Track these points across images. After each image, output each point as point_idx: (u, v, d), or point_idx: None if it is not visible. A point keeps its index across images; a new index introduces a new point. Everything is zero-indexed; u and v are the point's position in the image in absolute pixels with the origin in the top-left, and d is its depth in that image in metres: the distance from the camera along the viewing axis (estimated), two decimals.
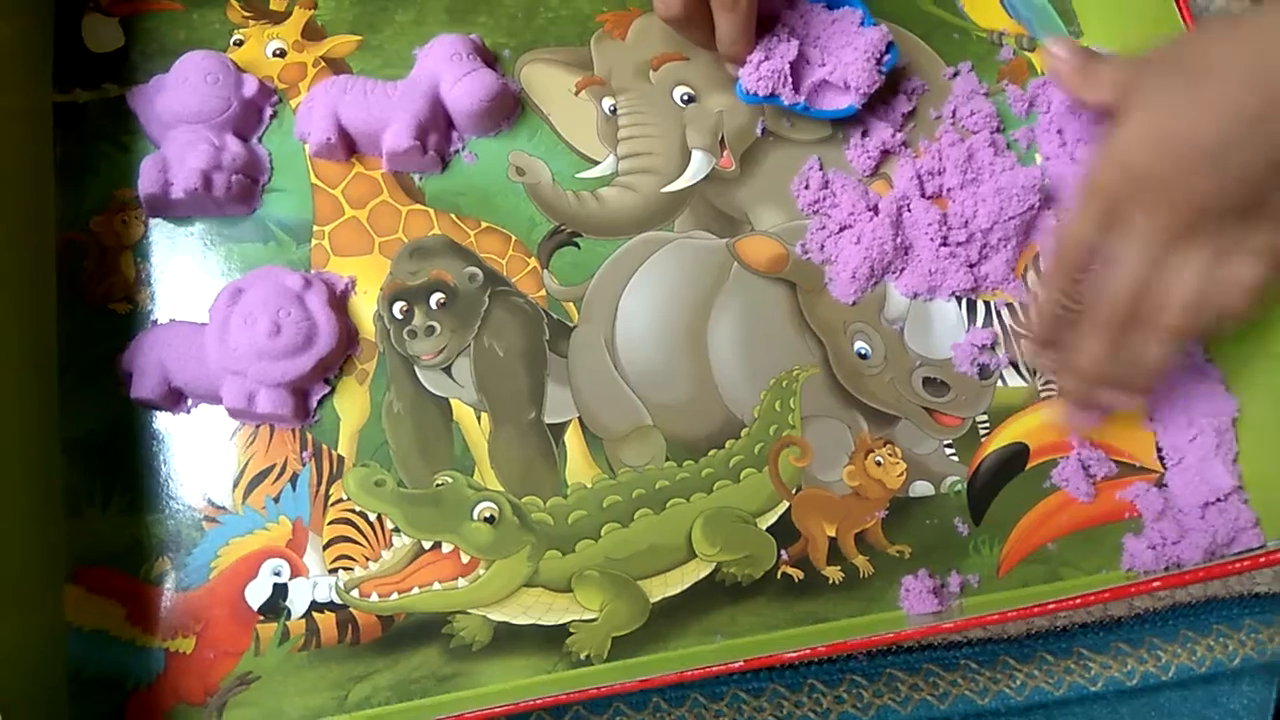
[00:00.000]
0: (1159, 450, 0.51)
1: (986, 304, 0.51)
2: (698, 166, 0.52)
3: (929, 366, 0.50)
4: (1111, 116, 0.45)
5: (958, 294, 0.51)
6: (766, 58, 0.49)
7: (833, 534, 0.47)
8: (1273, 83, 0.39)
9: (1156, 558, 0.48)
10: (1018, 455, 0.50)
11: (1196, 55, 0.42)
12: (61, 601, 0.43)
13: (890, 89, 0.53)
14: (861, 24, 0.51)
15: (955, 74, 0.55)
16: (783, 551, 0.47)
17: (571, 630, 0.45)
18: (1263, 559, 0.44)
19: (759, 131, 0.53)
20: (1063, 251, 0.45)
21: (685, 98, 0.53)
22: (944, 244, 0.50)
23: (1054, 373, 0.48)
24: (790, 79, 0.50)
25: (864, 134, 0.53)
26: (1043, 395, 0.51)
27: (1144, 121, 0.43)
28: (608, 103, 0.53)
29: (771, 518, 0.47)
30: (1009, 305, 0.52)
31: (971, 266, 0.51)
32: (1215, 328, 0.45)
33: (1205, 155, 0.40)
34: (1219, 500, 0.49)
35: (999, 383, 0.51)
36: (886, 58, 0.50)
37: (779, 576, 0.47)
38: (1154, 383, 0.46)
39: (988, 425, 0.50)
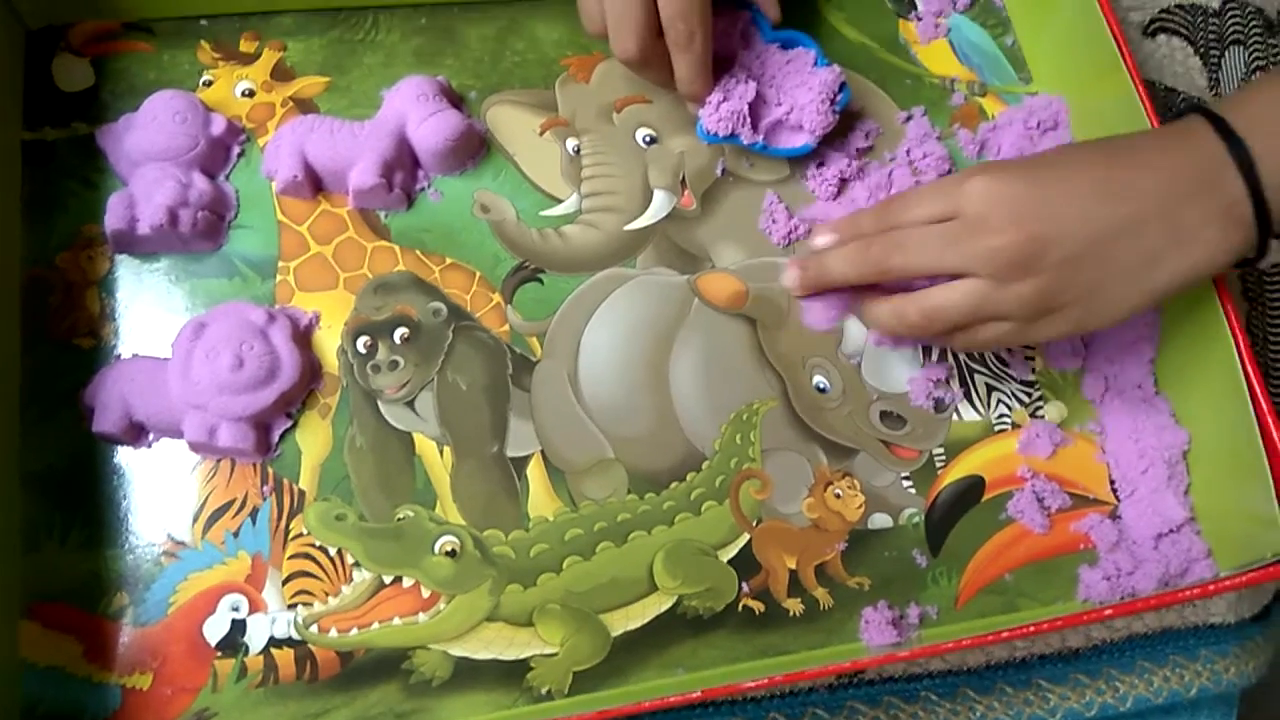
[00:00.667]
0: (1112, 482, 0.52)
1: None
2: (659, 205, 0.53)
3: (886, 400, 0.51)
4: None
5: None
6: (725, 99, 0.51)
7: (793, 566, 0.48)
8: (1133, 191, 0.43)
9: (1111, 588, 0.49)
10: (974, 487, 0.50)
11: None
12: (16, 637, 0.43)
13: (845, 127, 0.55)
14: (815, 64, 0.52)
15: (909, 118, 0.57)
16: (744, 584, 0.47)
17: (532, 665, 0.45)
18: (1212, 586, 0.44)
19: (719, 171, 0.54)
20: (894, 201, 0.47)
21: (647, 139, 0.54)
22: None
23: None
24: (749, 119, 0.51)
25: (820, 164, 0.54)
26: (996, 429, 0.52)
27: (1033, 170, 0.45)
28: (571, 143, 0.54)
29: (732, 550, 0.48)
30: None
31: None
32: (921, 335, 0.48)
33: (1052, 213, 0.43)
34: (1172, 531, 0.50)
35: (954, 416, 0.52)
36: (839, 97, 0.52)
37: (740, 609, 0.47)
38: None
39: (944, 458, 0.51)
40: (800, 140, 0.52)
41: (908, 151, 0.56)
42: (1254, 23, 0.64)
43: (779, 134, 0.53)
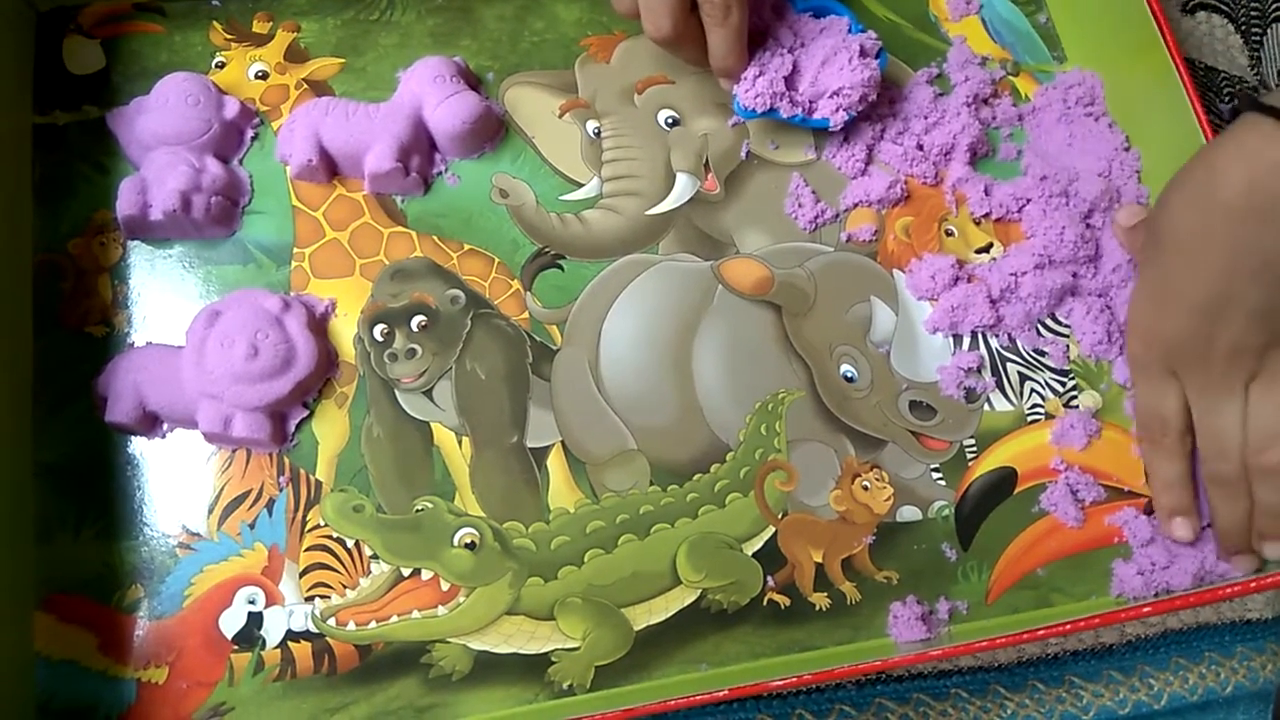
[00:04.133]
0: (1148, 475, 0.50)
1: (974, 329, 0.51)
2: (682, 189, 0.52)
3: (915, 390, 0.50)
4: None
5: (978, 330, 0.51)
6: (761, 73, 0.49)
7: (819, 560, 0.47)
8: (1230, 246, 0.43)
9: (1146, 583, 0.47)
10: (1005, 479, 0.49)
11: (1168, 229, 0.46)
12: (30, 630, 0.42)
13: (870, 104, 0.53)
14: (850, 31, 0.51)
15: (936, 90, 0.55)
16: (769, 578, 0.46)
17: (554, 659, 0.44)
18: (1253, 584, 0.43)
19: (743, 154, 0.53)
20: (1141, 425, 0.49)
21: (670, 121, 0.53)
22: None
23: (1189, 539, 0.48)
24: (786, 92, 0.50)
25: (845, 141, 0.53)
26: (1029, 420, 0.50)
27: (1142, 289, 0.48)
28: (592, 125, 0.53)
29: (757, 543, 0.47)
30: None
31: (994, 303, 0.51)
32: None
33: (1203, 310, 0.44)
34: (1208, 525, 0.49)
35: (986, 406, 0.50)
36: (876, 61, 0.50)
37: (765, 603, 0.46)
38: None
39: (975, 449, 0.50)
40: (840, 110, 0.51)
41: (935, 121, 0.54)
42: None
43: (818, 104, 0.51)
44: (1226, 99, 0.60)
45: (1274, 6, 0.62)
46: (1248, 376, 0.45)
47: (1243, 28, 0.61)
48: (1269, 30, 0.62)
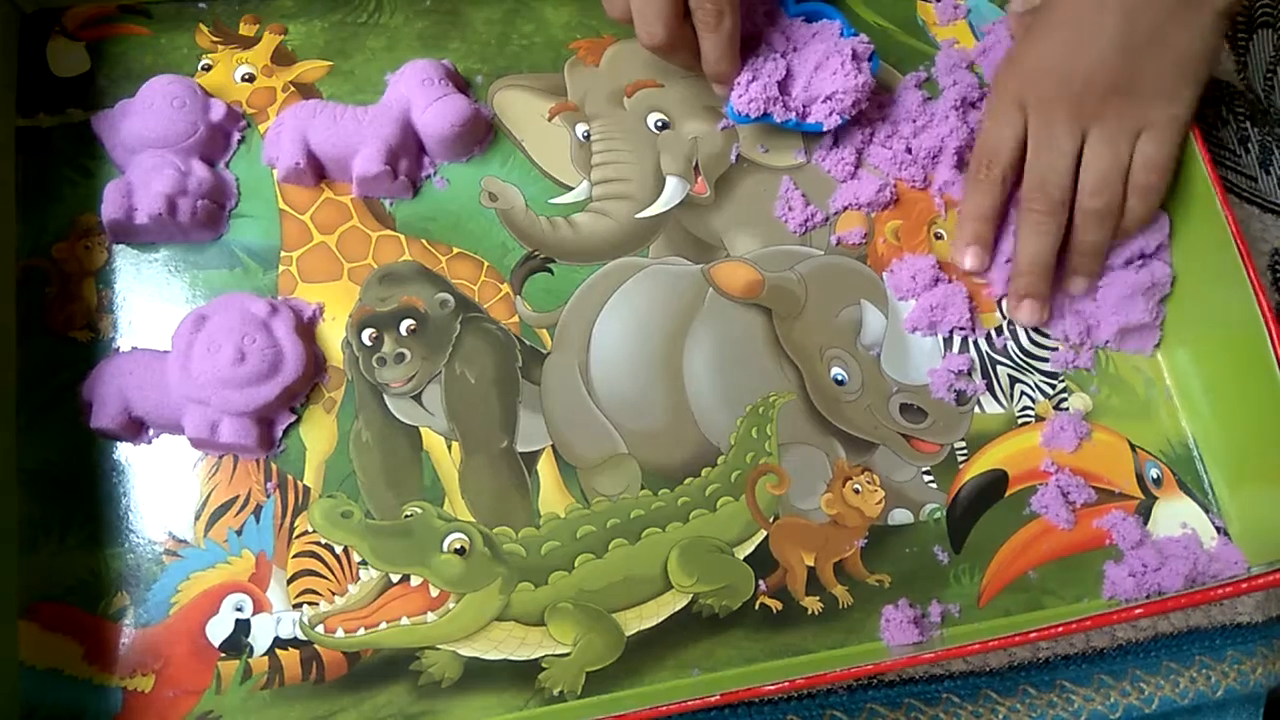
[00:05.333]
0: (1138, 476, 0.50)
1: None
2: (672, 192, 0.52)
3: (906, 392, 0.50)
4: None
5: (957, 328, 0.51)
6: (754, 78, 0.49)
7: (811, 563, 0.47)
8: None
9: (1138, 585, 0.47)
10: (996, 482, 0.49)
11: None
12: (14, 639, 0.42)
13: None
14: (841, 34, 0.51)
15: (924, 93, 0.55)
16: (761, 582, 0.46)
17: (544, 665, 0.44)
18: (1245, 585, 0.43)
19: (733, 157, 0.53)
20: (975, 156, 0.51)
21: (659, 124, 0.53)
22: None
23: (982, 271, 0.52)
24: (779, 96, 0.50)
25: (834, 145, 0.53)
26: (1020, 422, 0.50)
27: (1031, 36, 0.51)
28: (581, 129, 0.52)
29: (749, 547, 0.47)
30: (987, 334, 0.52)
31: (970, 299, 0.51)
32: (1138, 209, 0.50)
33: (1067, 40, 0.48)
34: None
35: (976, 409, 0.50)
36: (869, 65, 0.50)
37: (757, 607, 0.46)
38: (1099, 266, 0.51)
39: (966, 452, 0.49)
40: (834, 113, 0.51)
41: (924, 124, 0.54)
42: None
43: (812, 109, 0.51)
44: (1213, 103, 0.60)
45: (1260, 11, 0.63)
46: (1090, 119, 0.48)
47: (1228, 32, 0.61)
48: (1254, 35, 0.62)
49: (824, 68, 0.50)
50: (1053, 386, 0.51)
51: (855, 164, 0.53)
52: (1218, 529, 0.50)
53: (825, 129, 0.51)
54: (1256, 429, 0.47)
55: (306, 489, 0.45)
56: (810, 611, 0.46)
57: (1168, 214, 0.51)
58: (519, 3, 0.54)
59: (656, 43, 0.47)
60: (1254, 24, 0.62)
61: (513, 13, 0.54)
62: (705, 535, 0.46)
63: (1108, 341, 0.52)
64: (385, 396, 0.47)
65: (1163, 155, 0.49)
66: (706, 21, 0.47)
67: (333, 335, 0.47)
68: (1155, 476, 0.50)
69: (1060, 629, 0.41)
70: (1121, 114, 0.48)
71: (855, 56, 0.50)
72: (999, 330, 0.52)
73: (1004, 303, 0.52)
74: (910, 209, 0.53)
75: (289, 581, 0.43)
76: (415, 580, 0.44)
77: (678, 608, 0.45)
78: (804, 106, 0.51)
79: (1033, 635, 0.41)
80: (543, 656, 0.44)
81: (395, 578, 0.44)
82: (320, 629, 0.43)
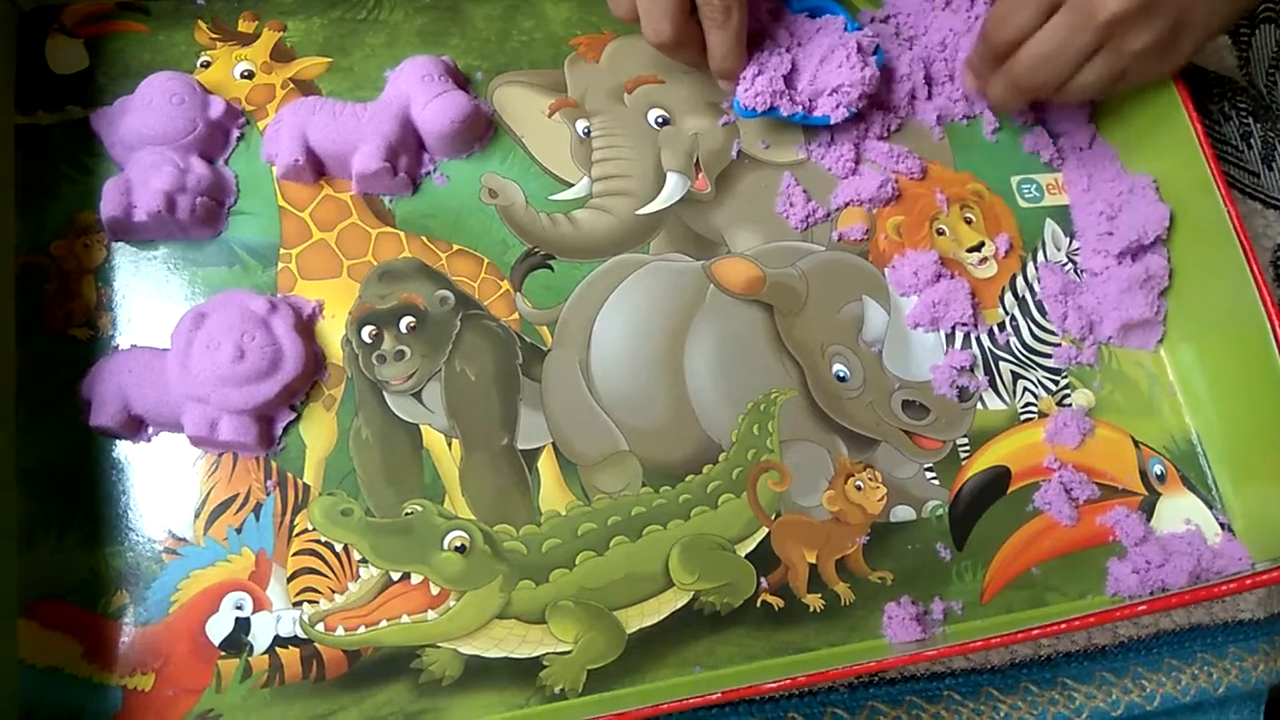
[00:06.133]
0: (1142, 473, 0.50)
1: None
2: (673, 189, 0.52)
3: (908, 389, 0.50)
4: None
5: (959, 324, 0.51)
6: (760, 72, 0.49)
7: (813, 561, 0.46)
8: None
9: (1141, 582, 0.47)
10: (999, 478, 0.49)
11: None
12: (14, 637, 0.41)
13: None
14: (845, 29, 0.51)
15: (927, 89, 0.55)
16: (762, 579, 0.46)
17: (545, 663, 0.44)
18: (1249, 581, 0.43)
19: (734, 154, 0.53)
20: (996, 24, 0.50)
21: (660, 120, 0.53)
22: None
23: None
24: (786, 90, 0.50)
25: (831, 140, 0.53)
26: (1022, 418, 0.50)
27: None
28: (581, 125, 0.52)
29: (750, 544, 0.46)
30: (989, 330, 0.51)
31: (972, 295, 0.51)
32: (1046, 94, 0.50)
33: None
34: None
35: (979, 405, 0.50)
36: (874, 58, 0.50)
37: (759, 605, 0.46)
38: (1015, 98, 0.51)
39: (968, 448, 0.49)
40: (840, 106, 0.51)
41: (937, 117, 0.54)
42: None
43: (818, 102, 0.51)
44: (1216, 99, 0.60)
45: (1262, 8, 0.62)
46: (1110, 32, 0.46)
47: (1230, 29, 0.61)
48: (1257, 31, 0.62)
49: (829, 61, 0.50)
50: (1055, 382, 0.51)
51: (855, 160, 0.53)
52: (1221, 525, 0.49)
53: (833, 121, 0.51)
54: (1260, 425, 0.47)
55: (306, 487, 0.45)
56: (812, 609, 0.46)
57: (1168, 206, 0.51)
58: None
59: (663, 40, 0.47)
60: (1256, 20, 0.62)
61: (513, 9, 0.54)
62: (707, 532, 0.46)
63: (1111, 337, 0.52)
64: (385, 394, 0.46)
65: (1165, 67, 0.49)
66: (714, 18, 0.47)
67: (332, 332, 0.47)
68: (1159, 473, 0.50)
69: (1063, 626, 0.41)
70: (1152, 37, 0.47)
71: (860, 50, 0.50)
72: (1001, 326, 0.51)
73: (1007, 298, 0.52)
74: (912, 205, 0.53)
75: (289, 579, 0.43)
76: (416, 578, 0.44)
77: (679, 605, 0.45)
78: (810, 100, 0.51)
79: (1035, 632, 0.41)
80: (544, 654, 0.44)
81: (395, 576, 0.44)
82: (320, 627, 0.43)
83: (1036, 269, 0.53)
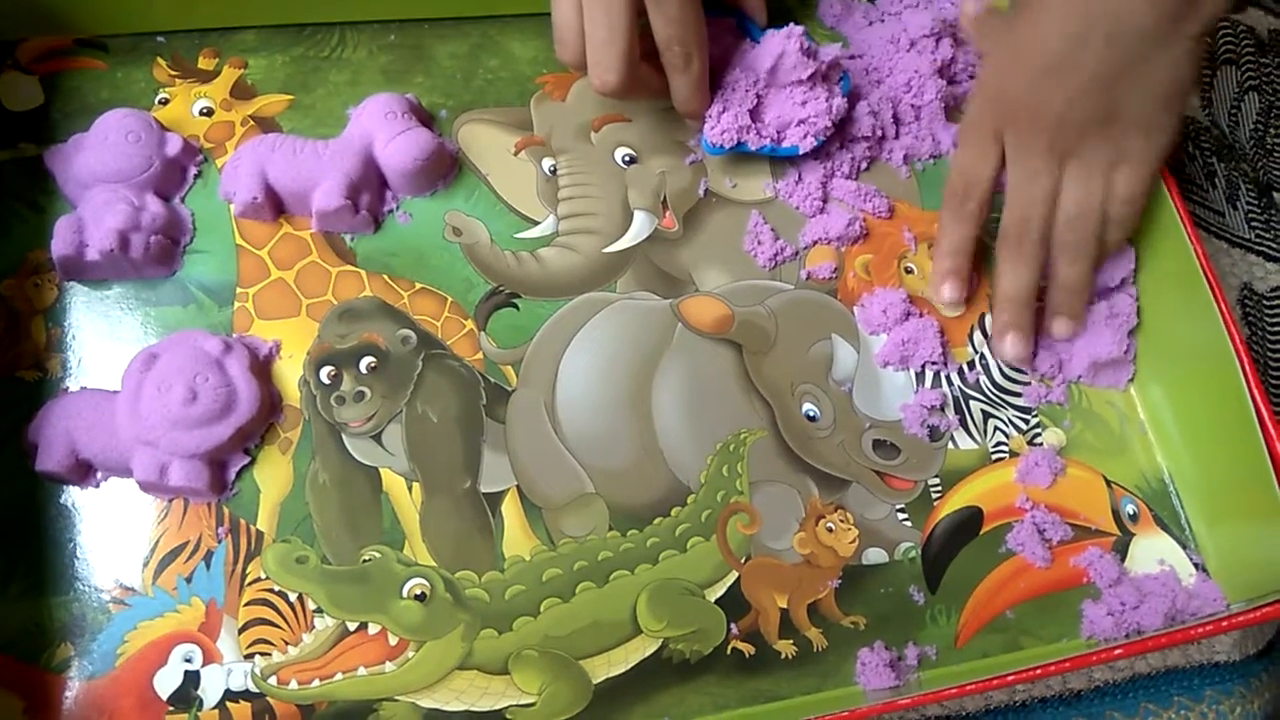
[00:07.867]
0: (1114, 512, 0.49)
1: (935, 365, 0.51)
2: (640, 227, 0.51)
3: (879, 428, 0.49)
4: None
5: (929, 363, 0.50)
6: (725, 109, 0.49)
7: (784, 605, 0.45)
8: (1086, 9, 0.46)
9: (1116, 624, 0.46)
10: (971, 519, 0.48)
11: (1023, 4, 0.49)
12: None
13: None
14: (750, 38, 0.51)
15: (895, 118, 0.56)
16: (733, 625, 0.45)
17: (508, 716, 0.42)
18: (1225, 623, 0.42)
19: (701, 192, 0.52)
20: (950, 188, 0.50)
21: (627, 158, 0.52)
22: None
23: (957, 305, 0.52)
24: (752, 124, 0.50)
25: (798, 179, 0.53)
26: (994, 458, 0.50)
27: (995, 57, 0.50)
28: (548, 163, 0.52)
29: (720, 589, 0.45)
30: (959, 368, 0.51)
31: (941, 333, 0.51)
32: (1113, 240, 0.50)
33: (1046, 71, 0.46)
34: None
35: (950, 445, 0.49)
36: (840, 85, 0.50)
37: (729, 652, 0.44)
38: (1081, 304, 0.50)
39: (940, 488, 0.49)
40: (808, 136, 0.50)
41: (904, 156, 0.54)
42: (1246, 42, 0.63)
43: (786, 133, 0.51)
44: (1180, 140, 0.60)
45: (1223, 49, 0.63)
46: (1067, 152, 0.47)
47: (1206, 55, 0.62)
48: (1218, 72, 0.63)
49: (795, 92, 0.50)
50: (1026, 421, 0.51)
51: (823, 199, 0.53)
52: (1196, 565, 0.49)
53: (801, 151, 0.51)
54: (1232, 464, 0.47)
55: (260, 534, 0.43)
56: (784, 655, 0.45)
57: (1133, 247, 0.51)
58: (485, 37, 0.54)
59: (610, 90, 0.47)
60: (1217, 60, 0.63)
61: (478, 47, 0.54)
62: (675, 577, 0.45)
63: (1080, 376, 0.51)
64: (344, 436, 0.45)
65: (1138, 187, 0.48)
66: (675, 64, 0.47)
67: (290, 373, 0.46)
68: (1131, 513, 0.50)
69: (1038, 671, 0.40)
70: (1099, 146, 0.47)
71: (825, 79, 0.50)
72: (971, 364, 0.51)
73: (976, 336, 0.52)
74: (880, 243, 0.53)
75: (240, 631, 0.42)
76: (373, 628, 0.42)
77: (647, 653, 0.44)
78: (778, 132, 0.50)
79: (1009, 678, 0.40)
80: (507, 707, 0.42)
81: (352, 626, 0.42)
82: (273, 680, 0.41)
83: None
